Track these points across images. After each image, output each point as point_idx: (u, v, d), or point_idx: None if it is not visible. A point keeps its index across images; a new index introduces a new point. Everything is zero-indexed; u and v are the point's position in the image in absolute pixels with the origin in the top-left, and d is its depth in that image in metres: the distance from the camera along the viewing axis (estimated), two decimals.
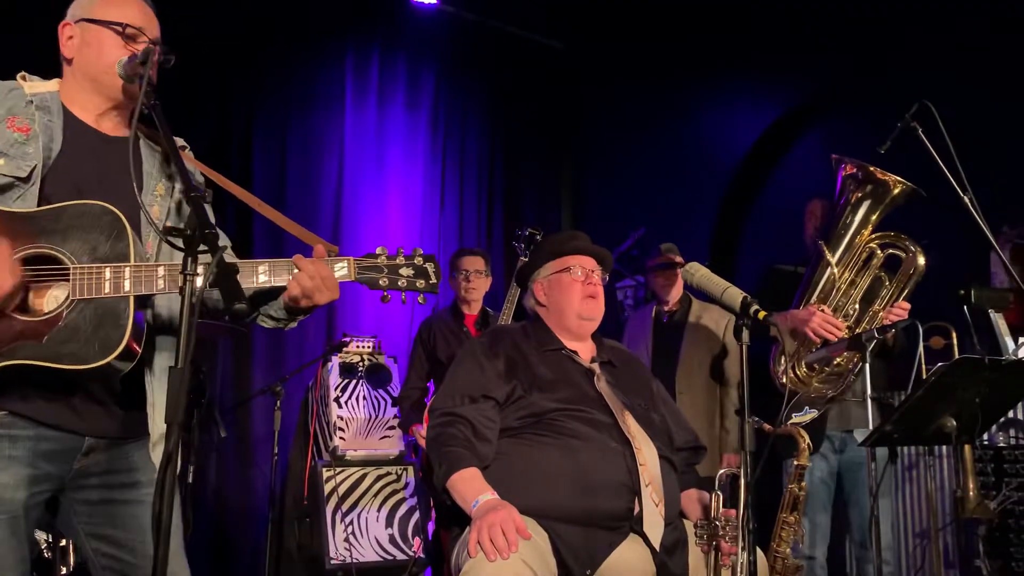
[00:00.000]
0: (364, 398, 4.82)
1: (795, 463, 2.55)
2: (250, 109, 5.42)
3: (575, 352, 2.59)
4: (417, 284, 1.89)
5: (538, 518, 2.22)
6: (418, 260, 1.90)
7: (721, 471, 2.41)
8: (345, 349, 4.85)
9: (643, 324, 4.26)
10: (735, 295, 2.26)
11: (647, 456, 2.36)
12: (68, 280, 1.69)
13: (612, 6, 5.87)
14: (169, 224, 1.72)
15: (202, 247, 1.54)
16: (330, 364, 4.82)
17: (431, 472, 2.40)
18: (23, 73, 1.89)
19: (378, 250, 1.90)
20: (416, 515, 4.65)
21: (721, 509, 2.35)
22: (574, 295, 2.59)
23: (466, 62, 6.35)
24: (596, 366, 2.56)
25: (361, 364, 4.89)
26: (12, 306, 1.66)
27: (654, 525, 2.29)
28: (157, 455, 1.84)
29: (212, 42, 4.94)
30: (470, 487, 2.24)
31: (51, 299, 1.71)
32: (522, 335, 2.63)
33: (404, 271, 1.89)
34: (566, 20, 6.29)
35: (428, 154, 6.16)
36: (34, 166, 1.77)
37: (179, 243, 1.55)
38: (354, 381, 4.83)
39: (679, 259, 4.13)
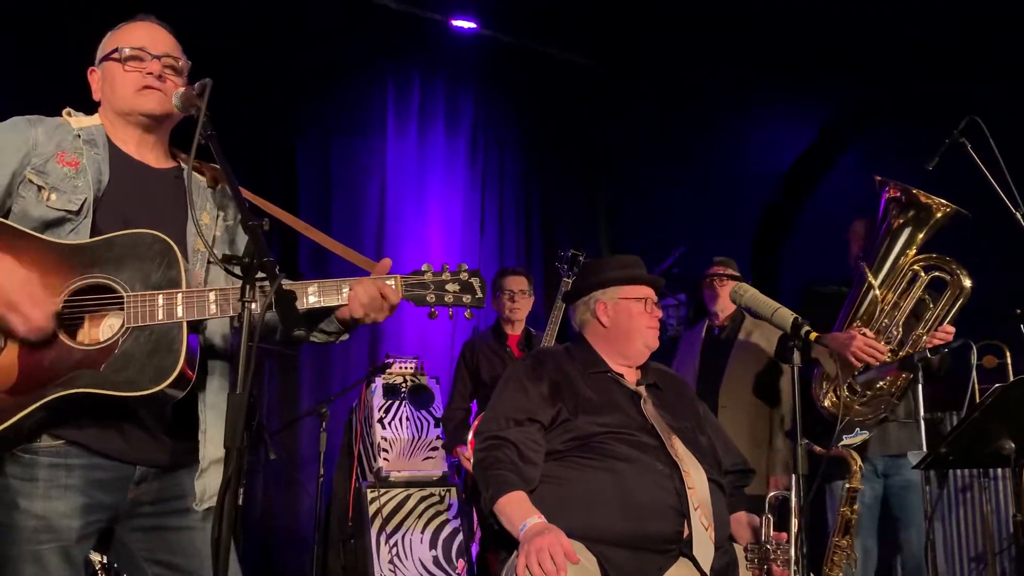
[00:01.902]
0: (407, 419, 4.84)
1: (847, 486, 2.51)
2: (295, 136, 5.53)
3: (621, 375, 2.58)
4: (464, 299, 1.90)
5: (586, 542, 2.21)
6: (463, 275, 1.91)
7: (771, 493, 2.39)
8: (388, 370, 4.88)
9: (694, 340, 4.24)
10: (785, 316, 2.24)
11: (695, 479, 2.35)
12: (122, 308, 1.72)
13: (648, 25, 5.89)
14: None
15: (260, 274, 1.56)
16: (374, 385, 4.84)
17: (477, 494, 2.41)
18: (68, 109, 1.94)
19: (424, 267, 1.92)
20: (460, 537, 4.65)
21: (772, 532, 2.32)
22: (643, 324, 2.60)
23: (504, 84, 6.40)
24: (642, 389, 2.55)
25: (404, 385, 4.91)
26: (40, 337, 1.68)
27: (704, 548, 2.27)
28: (203, 482, 1.85)
29: (255, 69, 5.05)
30: (517, 511, 2.24)
31: (106, 328, 1.74)
32: (566, 357, 2.62)
33: (450, 287, 1.89)
34: (602, 40, 6.31)
35: (468, 177, 6.21)
36: (84, 199, 1.80)
37: (237, 271, 1.58)
38: (397, 402, 4.86)
39: (731, 271, 4.11)
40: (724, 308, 4.13)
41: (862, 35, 5.01)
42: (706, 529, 2.29)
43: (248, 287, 1.56)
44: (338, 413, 4.89)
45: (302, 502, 5.09)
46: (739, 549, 2.43)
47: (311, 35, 5.44)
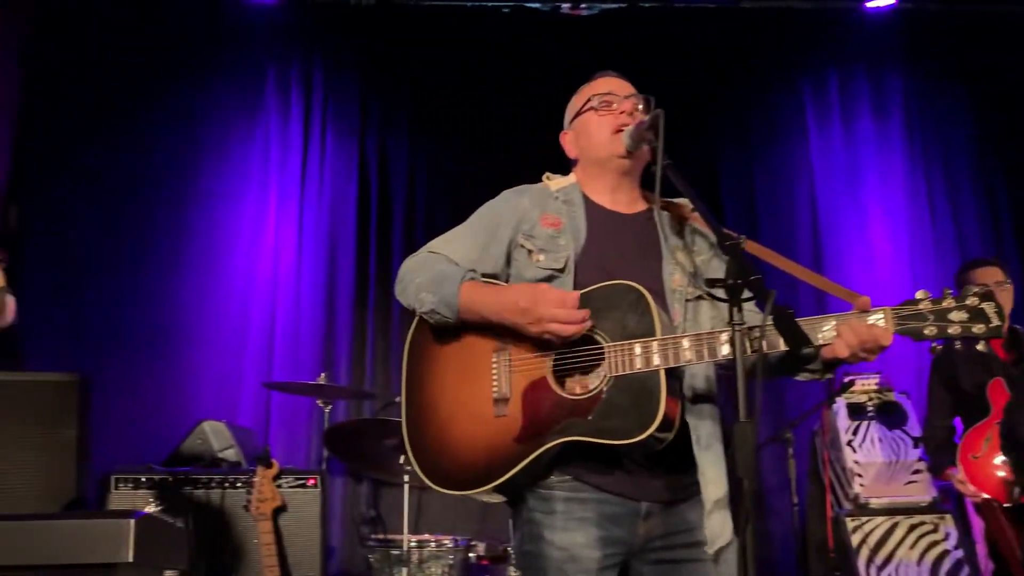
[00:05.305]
0: (879, 440, 4.42)
1: None
2: (716, 155, 5.59)
3: None
4: (973, 329, 1.62)
5: None
6: (971, 300, 1.64)
7: None
8: (850, 389, 4.52)
9: None
10: None
11: None
12: (604, 358, 1.79)
13: None
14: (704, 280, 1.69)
15: (747, 294, 1.48)
16: (835, 407, 4.52)
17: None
18: (548, 173, 2.10)
19: (919, 294, 1.69)
20: (965, 569, 4.08)
21: None
22: None
23: (937, 56, 5.70)
24: None
25: (870, 403, 4.50)
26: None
27: None
28: (711, 523, 1.83)
29: (675, 93, 5.18)
30: None
31: (594, 377, 1.82)
32: None
33: (955, 315, 1.64)
34: None
35: (906, 163, 5.61)
36: (567, 257, 1.92)
37: (721, 295, 1.51)
38: (865, 423, 4.47)
39: None
40: None
41: None
42: None
43: (736, 309, 1.48)
44: (800, 438, 4.65)
45: (775, 532, 4.91)
46: None
47: (720, 54, 5.52)
